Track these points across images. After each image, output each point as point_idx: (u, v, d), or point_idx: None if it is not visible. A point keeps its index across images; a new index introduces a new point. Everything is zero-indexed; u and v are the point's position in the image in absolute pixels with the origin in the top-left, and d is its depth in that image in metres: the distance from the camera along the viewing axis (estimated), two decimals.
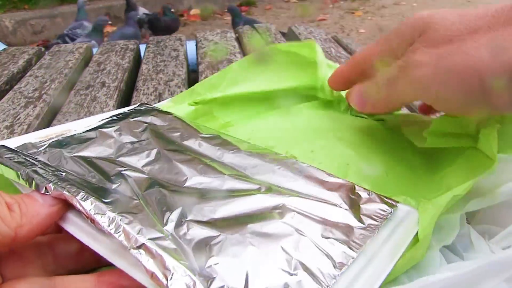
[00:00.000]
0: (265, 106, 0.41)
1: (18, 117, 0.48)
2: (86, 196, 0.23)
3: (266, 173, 0.28)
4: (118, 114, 0.35)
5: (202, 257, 0.20)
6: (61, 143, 0.29)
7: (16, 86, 0.58)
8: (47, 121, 0.50)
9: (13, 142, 0.29)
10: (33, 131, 0.46)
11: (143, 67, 0.64)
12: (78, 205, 0.22)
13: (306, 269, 0.20)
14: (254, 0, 3.53)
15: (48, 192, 0.23)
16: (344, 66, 0.34)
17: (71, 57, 0.70)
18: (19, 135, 0.44)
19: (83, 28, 2.20)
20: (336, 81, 0.35)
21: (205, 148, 0.31)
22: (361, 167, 0.32)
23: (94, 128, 0.32)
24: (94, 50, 0.78)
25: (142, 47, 0.78)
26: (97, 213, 0.22)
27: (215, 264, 0.20)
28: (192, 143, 0.32)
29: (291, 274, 0.20)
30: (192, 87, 0.42)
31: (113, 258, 0.21)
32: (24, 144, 0.29)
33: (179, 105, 0.41)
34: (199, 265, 0.20)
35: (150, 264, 0.19)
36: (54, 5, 2.80)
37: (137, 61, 0.73)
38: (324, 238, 0.22)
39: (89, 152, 0.29)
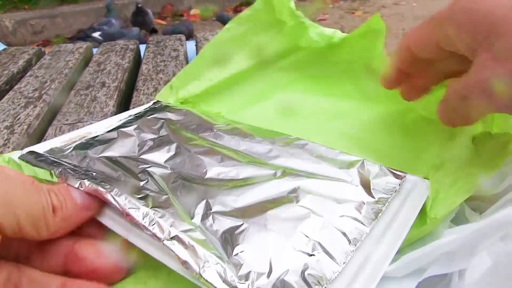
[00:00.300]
0: (252, 93, 0.42)
1: (18, 117, 0.48)
2: (119, 192, 0.24)
3: (280, 157, 0.30)
4: (136, 114, 0.37)
5: (228, 246, 0.22)
6: (85, 145, 0.31)
7: (16, 86, 0.58)
8: (47, 121, 0.50)
9: (40, 148, 0.30)
10: (33, 131, 0.46)
11: (143, 67, 0.64)
12: (112, 200, 0.23)
13: (323, 249, 0.22)
14: (253, 1, 3.53)
15: (82, 188, 0.24)
16: (395, 61, 0.31)
17: (71, 57, 0.70)
18: (19, 135, 0.44)
19: (110, 25, 2.26)
20: (389, 78, 0.32)
21: (221, 139, 0.33)
22: (359, 151, 0.33)
23: (114, 128, 0.34)
24: (94, 50, 0.78)
25: (142, 47, 0.78)
26: (131, 208, 0.23)
27: (241, 252, 0.21)
28: (208, 135, 0.34)
29: (310, 255, 0.21)
30: (169, 82, 0.42)
31: (148, 248, 0.22)
32: (51, 149, 0.30)
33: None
34: (227, 254, 0.21)
35: (183, 253, 0.21)
36: (54, 5, 2.80)
37: (137, 61, 0.73)
38: (339, 216, 0.24)
39: (113, 152, 0.30)
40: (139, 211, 0.23)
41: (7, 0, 2.84)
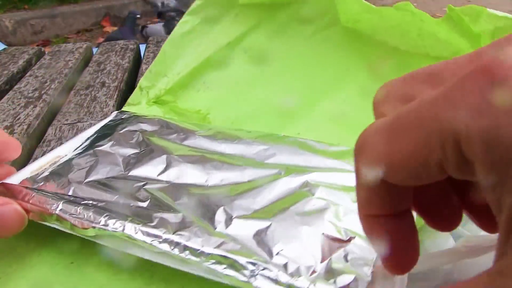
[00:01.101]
0: (225, 82, 0.41)
1: (18, 117, 0.48)
2: (134, 226, 0.23)
3: (275, 155, 0.30)
4: (101, 129, 0.34)
5: (266, 248, 0.21)
6: (62, 171, 0.28)
7: (16, 86, 0.58)
8: (47, 121, 0.49)
9: (13, 181, 0.28)
10: (33, 131, 0.46)
11: (143, 67, 0.64)
12: (132, 239, 0.23)
13: (354, 233, 0.22)
14: None
15: (95, 238, 0.23)
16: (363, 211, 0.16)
17: (71, 57, 0.70)
18: (19, 135, 0.44)
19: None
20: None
21: (208, 145, 0.31)
22: (350, 141, 0.33)
23: (87, 148, 0.31)
24: (94, 50, 0.78)
25: (142, 47, 0.78)
26: (153, 240, 0.22)
27: (281, 250, 0.21)
28: (193, 143, 0.32)
29: (345, 241, 0.22)
30: (138, 84, 0.41)
31: (190, 269, 0.22)
32: (24, 180, 0.28)
33: (137, 106, 0.40)
34: (268, 255, 0.21)
35: (227, 270, 0.20)
36: (54, 5, 2.80)
37: (137, 61, 0.73)
38: (353, 202, 0.24)
39: (98, 174, 0.28)
40: (165, 243, 0.22)
41: (7, 0, 2.84)
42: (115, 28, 2.50)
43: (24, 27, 2.60)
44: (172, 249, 0.22)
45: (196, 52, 0.41)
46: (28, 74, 0.63)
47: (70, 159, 0.30)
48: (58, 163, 0.29)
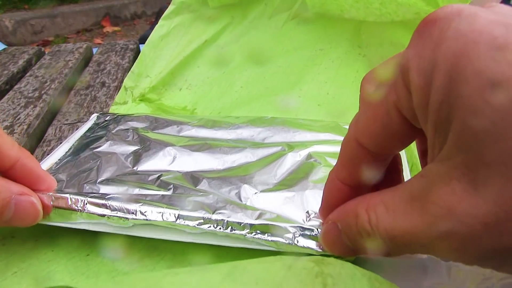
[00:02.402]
0: (206, 79, 0.42)
1: (18, 117, 0.48)
2: (173, 214, 0.23)
3: (272, 135, 0.32)
4: (89, 132, 0.33)
5: (298, 213, 0.23)
6: (66, 177, 0.27)
7: (16, 86, 0.58)
8: (47, 121, 0.50)
9: None
10: (33, 131, 0.46)
11: None
12: (174, 225, 0.23)
13: None
14: None
15: (131, 229, 0.23)
16: (336, 174, 0.20)
17: (71, 57, 0.70)
18: (19, 135, 0.44)
19: None
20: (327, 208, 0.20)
21: (205, 133, 0.32)
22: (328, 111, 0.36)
23: (83, 150, 0.30)
24: (94, 50, 0.78)
25: (142, 47, 0.78)
26: (197, 223, 0.23)
27: (312, 213, 0.23)
28: (189, 133, 0.33)
29: None
30: (123, 84, 0.42)
31: (232, 243, 0.23)
32: None
33: (124, 105, 0.41)
34: (303, 219, 0.23)
35: (271, 237, 0.22)
36: (54, 5, 2.80)
37: None
38: None
39: (108, 173, 0.28)
40: (205, 222, 0.23)
41: (7, 0, 2.84)
42: (116, 28, 2.49)
43: (24, 27, 2.60)
44: (216, 228, 0.23)
45: (175, 52, 0.42)
46: (28, 74, 0.63)
47: (69, 162, 0.29)
48: (55, 167, 0.29)
